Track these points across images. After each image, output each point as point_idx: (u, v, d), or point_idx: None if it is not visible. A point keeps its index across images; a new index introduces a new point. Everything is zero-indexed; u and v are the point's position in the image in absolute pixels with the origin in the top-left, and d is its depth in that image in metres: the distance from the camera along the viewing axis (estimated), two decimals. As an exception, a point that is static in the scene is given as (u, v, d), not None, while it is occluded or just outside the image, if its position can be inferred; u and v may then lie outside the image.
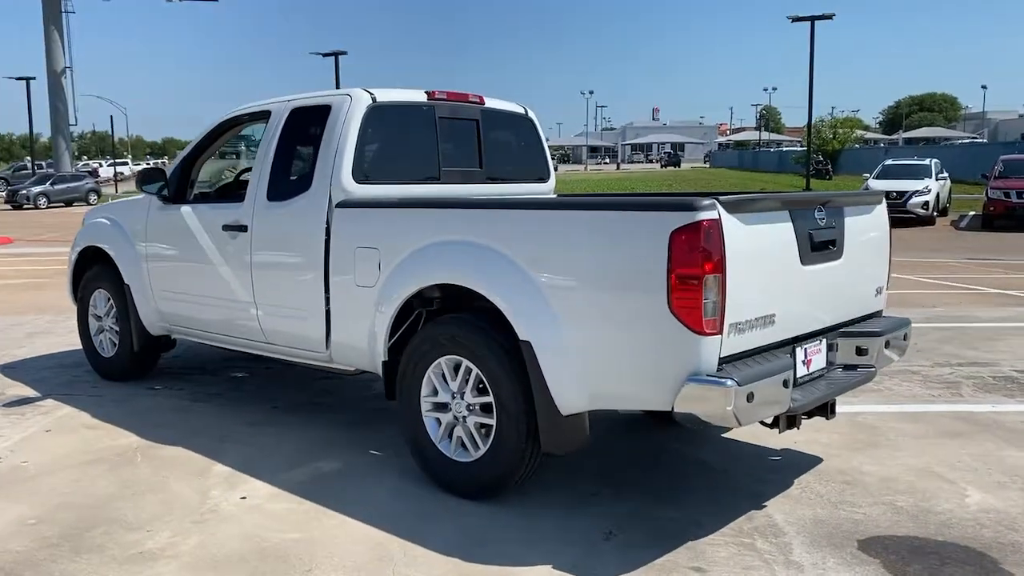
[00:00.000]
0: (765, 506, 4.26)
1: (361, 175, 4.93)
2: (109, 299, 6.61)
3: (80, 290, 6.93)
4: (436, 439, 4.40)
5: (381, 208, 4.76)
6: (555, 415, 3.90)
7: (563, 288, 3.87)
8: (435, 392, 4.39)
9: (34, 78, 46.22)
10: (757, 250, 3.72)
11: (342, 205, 4.85)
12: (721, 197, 3.58)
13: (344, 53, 38.69)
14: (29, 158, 58.03)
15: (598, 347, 3.79)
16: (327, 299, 4.92)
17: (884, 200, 4.79)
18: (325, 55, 39.12)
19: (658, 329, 3.56)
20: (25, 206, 38.86)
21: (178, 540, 3.89)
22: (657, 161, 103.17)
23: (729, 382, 3.44)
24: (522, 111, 6.06)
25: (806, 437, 5.28)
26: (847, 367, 4.45)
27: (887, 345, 4.50)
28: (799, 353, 4.09)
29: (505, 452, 4.11)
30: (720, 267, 3.49)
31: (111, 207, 6.83)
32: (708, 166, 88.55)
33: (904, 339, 4.73)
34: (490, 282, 4.09)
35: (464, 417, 4.28)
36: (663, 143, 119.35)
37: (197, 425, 5.60)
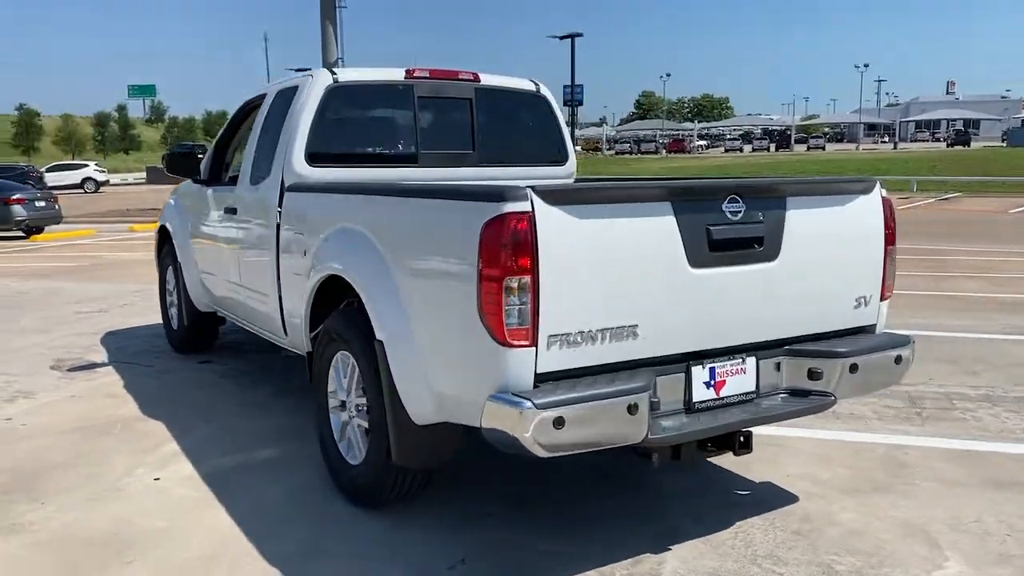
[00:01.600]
0: (669, 549, 3.60)
1: (316, 158, 4.78)
2: (175, 275, 7.01)
3: (160, 265, 7.43)
4: (337, 437, 4.17)
5: (309, 193, 4.59)
6: (408, 424, 3.53)
7: (410, 284, 3.49)
8: (336, 389, 4.16)
9: (309, 69, 50.88)
10: (603, 249, 3.10)
11: (291, 189, 4.74)
12: (541, 185, 3.02)
13: (580, 35, 38.72)
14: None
15: (437, 352, 3.37)
16: (278, 285, 4.84)
17: (878, 187, 3.85)
18: (561, 38, 39.37)
19: (472, 336, 3.09)
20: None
21: (56, 516, 3.99)
22: (944, 139, 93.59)
23: (526, 404, 2.91)
24: (532, 88, 5.60)
25: (805, 470, 4.45)
26: (796, 393, 3.65)
27: (853, 370, 3.62)
28: (698, 373, 3.40)
29: (374, 460, 3.80)
30: (530, 268, 2.95)
31: (179, 188, 7.22)
32: (1004, 145, 78.87)
33: (897, 363, 3.79)
34: (357, 274, 3.78)
35: (353, 417, 4.02)
36: (953, 119, 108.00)
37: (200, 402, 5.77)
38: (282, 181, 4.78)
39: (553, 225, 2.99)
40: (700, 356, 3.40)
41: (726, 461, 4.58)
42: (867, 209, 3.80)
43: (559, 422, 2.93)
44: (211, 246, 6.07)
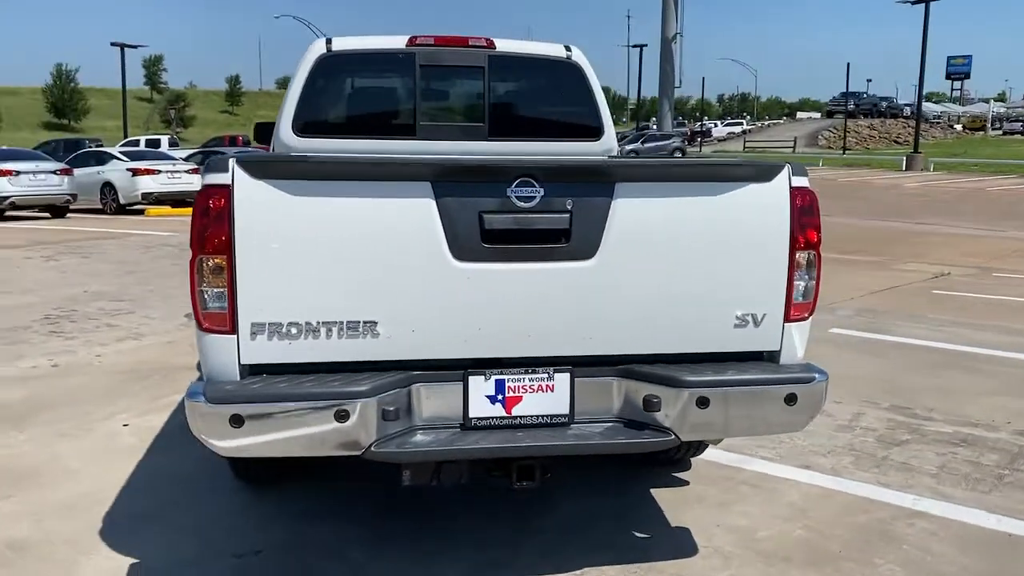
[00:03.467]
0: (471, 584, 3.13)
1: (304, 129, 4.75)
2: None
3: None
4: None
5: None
6: None
7: None
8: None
9: (646, 45, 51.15)
10: (328, 231, 2.70)
11: (276, 160, 4.78)
12: (247, 156, 2.72)
13: (932, -1, 34.29)
14: (653, 120, 64.54)
15: None
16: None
17: (786, 173, 2.94)
18: (914, 2, 35.17)
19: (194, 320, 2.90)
20: (624, 162, 43.30)
21: (18, 445, 4.44)
22: None
23: (199, 397, 2.66)
24: (563, 55, 5.05)
25: (750, 522, 3.65)
26: (632, 424, 2.96)
27: (703, 404, 2.84)
28: (479, 385, 2.87)
29: None
30: (226, 248, 2.68)
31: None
32: None
33: (789, 403, 2.90)
34: None
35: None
36: None
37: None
38: (274, 151, 4.84)
39: (258, 201, 2.68)
40: (487, 365, 2.88)
41: (669, 496, 3.88)
42: (761, 202, 2.93)
43: (236, 420, 2.65)
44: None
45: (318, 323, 2.75)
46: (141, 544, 3.41)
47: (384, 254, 2.75)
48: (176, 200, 19.95)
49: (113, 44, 42.00)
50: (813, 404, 2.94)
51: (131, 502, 3.79)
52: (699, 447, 4.14)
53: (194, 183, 19.79)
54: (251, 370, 2.77)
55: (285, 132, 4.71)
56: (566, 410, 2.92)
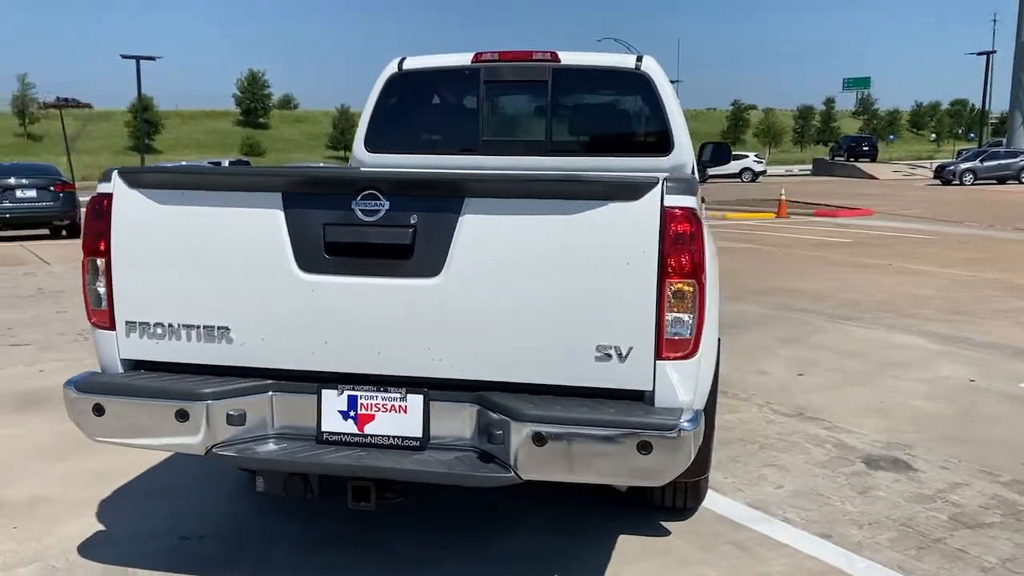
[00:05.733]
0: (349, 600, 3.10)
1: (373, 145, 4.98)
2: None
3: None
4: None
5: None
6: None
7: None
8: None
9: (995, 51, 45.69)
10: (188, 238, 2.85)
11: (350, 175, 5.06)
12: (127, 167, 2.94)
13: None
14: (1000, 135, 57.51)
15: None
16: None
17: (659, 191, 2.56)
18: None
19: None
20: (952, 182, 38.90)
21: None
22: None
23: (71, 385, 2.93)
24: (631, 66, 4.76)
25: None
26: (483, 456, 2.77)
27: (539, 441, 2.59)
28: (332, 399, 2.85)
29: None
30: (105, 250, 2.93)
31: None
32: None
33: (642, 451, 2.54)
34: None
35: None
36: None
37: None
38: (349, 165, 5.12)
39: (131, 209, 2.90)
40: (344, 380, 2.86)
41: (635, 544, 3.54)
42: (625, 222, 2.59)
43: (98, 410, 2.89)
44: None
45: (178, 325, 2.91)
46: (122, 516, 3.78)
47: (236, 262, 2.85)
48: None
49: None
50: (673, 456, 2.55)
51: (150, 479, 4.21)
52: (694, 493, 3.70)
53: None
54: (133, 365, 3.00)
55: (358, 148, 4.97)
56: (419, 433, 2.81)
